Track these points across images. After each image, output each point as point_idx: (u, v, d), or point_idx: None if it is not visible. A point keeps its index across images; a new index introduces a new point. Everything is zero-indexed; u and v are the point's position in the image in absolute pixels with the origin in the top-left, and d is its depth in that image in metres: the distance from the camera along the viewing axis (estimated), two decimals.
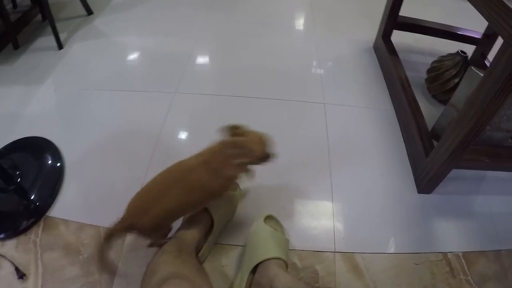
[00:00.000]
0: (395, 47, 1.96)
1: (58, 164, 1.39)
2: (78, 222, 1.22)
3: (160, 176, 0.98)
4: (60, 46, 1.95)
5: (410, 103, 1.55)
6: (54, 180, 1.34)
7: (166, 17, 2.28)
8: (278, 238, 1.10)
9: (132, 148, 1.46)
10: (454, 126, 1.19)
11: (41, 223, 1.22)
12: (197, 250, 1.05)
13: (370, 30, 2.09)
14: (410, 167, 1.50)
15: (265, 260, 0.99)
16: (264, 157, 0.99)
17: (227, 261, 1.14)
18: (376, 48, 1.99)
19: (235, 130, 1.01)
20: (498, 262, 1.36)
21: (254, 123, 1.58)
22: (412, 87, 1.68)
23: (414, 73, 1.91)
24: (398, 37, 2.02)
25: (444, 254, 1.31)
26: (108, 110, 1.61)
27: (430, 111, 1.70)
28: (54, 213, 1.25)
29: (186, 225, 1.06)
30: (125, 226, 0.93)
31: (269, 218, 1.17)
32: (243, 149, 0.94)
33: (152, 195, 0.95)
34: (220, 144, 0.96)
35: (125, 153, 1.45)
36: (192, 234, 1.02)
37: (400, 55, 1.95)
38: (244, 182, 1.31)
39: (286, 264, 1.03)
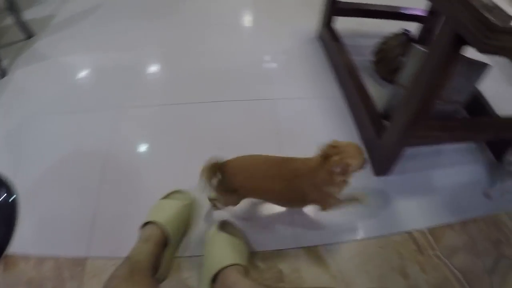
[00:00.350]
0: (340, 33, 1.97)
1: (12, 199, 1.34)
2: (37, 256, 1.19)
3: (268, 162, 1.07)
4: (3, 73, 1.89)
5: (357, 88, 1.55)
6: (9, 216, 1.29)
7: (109, 30, 2.23)
8: (234, 243, 1.09)
9: (82, 172, 1.42)
10: (403, 105, 1.20)
11: (1, 262, 1.18)
12: (156, 267, 1.03)
13: (313, 19, 2.08)
14: (365, 151, 1.50)
15: (223, 268, 0.98)
16: (362, 167, 1.03)
17: (189, 273, 1.12)
18: (320, 36, 1.98)
19: (330, 149, 1.00)
20: (465, 232, 1.37)
21: (207, 127, 1.57)
22: (359, 71, 1.70)
23: (361, 57, 1.92)
24: (342, 23, 2.03)
25: (409, 233, 1.32)
26: (57, 135, 1.56)
27: (380, 92, 1.71)
28: (13, 250, 1.21)
29: (139, 244, 1.03)
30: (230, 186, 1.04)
31: (224, 224, 1.16)
32: (346, 167, 0.96)
33: (256, 174, 1.05)
34: (324, 159, 0.99)
35: (76, 178, 1.40)
36: (146, 253, 0.99)
37: (345, 41, 1.96)
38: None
39: (246, 269, 1.02)
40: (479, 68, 1.45)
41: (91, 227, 1.24)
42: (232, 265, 0.98)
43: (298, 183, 1.01)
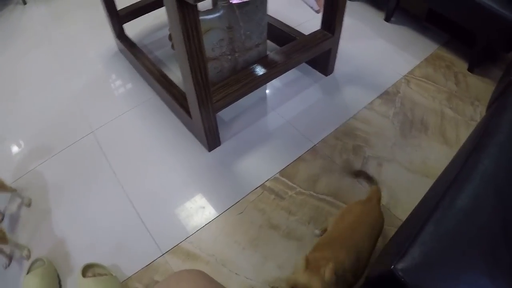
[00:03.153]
0: (138, 36, 1.98)
1: None
2: None
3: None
4: None
5: (160, 81, 1.54)
6: None
7: None
8: (103, 282, 1.07)
9: None
10: (184, 75, 1.21)
11: None
12: None
13: (111, 36, 1.97)
14: (191, 134, 1.51)
15: None
16: None
17: None
18: (120, 49, 1.93)
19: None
20: (318, 156, 1.43)
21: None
22: (162, 63, 1.72)
23: (163, 49, 1.92)
24: (136, 26, 2.02)
25: (262, 186, 1.34)
26: None
27: None
28: None
29: None
30: None
31: (88, 267, 1.11)
32: None
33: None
34: None
35: None
36: None
37: (146, 41, 1.96)
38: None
39: None
40: (256, 4, 1.45)
41: None
42: None
43: None
